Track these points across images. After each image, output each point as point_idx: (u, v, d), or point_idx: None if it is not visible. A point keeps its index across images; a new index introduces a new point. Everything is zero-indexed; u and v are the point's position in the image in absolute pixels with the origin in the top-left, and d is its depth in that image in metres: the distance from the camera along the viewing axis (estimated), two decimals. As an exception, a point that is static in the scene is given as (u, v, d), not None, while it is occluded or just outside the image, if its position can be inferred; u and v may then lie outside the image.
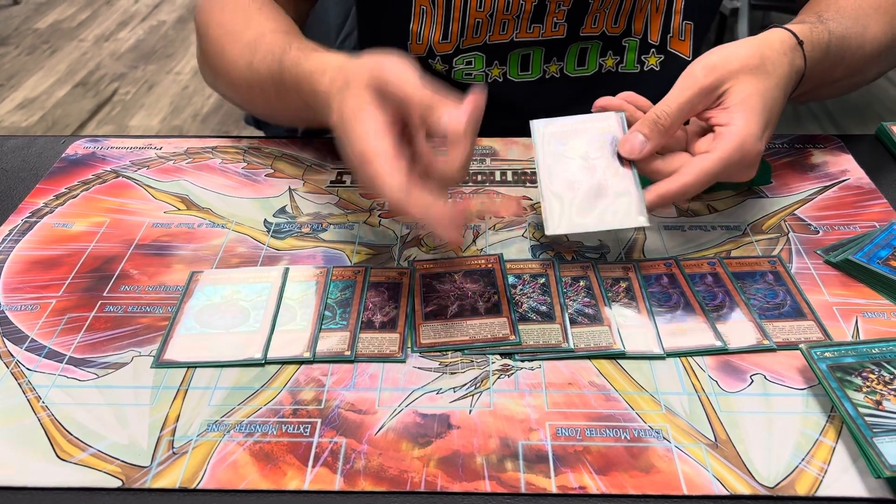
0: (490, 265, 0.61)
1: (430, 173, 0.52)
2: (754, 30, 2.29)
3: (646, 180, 0.58)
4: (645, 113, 0.60)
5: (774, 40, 0.62)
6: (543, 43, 0.83)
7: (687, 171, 0.57)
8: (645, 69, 0.86)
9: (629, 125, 0.60)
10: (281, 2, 0.79)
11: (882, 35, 0.71)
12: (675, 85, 0.59)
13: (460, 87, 0.85)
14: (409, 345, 0.54)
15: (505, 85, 0.86)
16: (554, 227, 0.57)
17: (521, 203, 0.67)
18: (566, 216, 0.57)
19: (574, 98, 0.86)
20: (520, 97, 0.86)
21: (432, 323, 0.56)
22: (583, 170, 0.59)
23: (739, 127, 0.57)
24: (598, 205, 0.57)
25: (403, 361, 0.53)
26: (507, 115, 0.80)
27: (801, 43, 0.63)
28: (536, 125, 0.62)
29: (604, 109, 0.62)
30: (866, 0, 0.71)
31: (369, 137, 0.51)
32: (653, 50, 0.84)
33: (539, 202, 0.69)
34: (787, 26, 0.64)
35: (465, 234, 0.65)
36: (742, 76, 0.59)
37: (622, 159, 0.59)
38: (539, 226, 0.66)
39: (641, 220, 0.57)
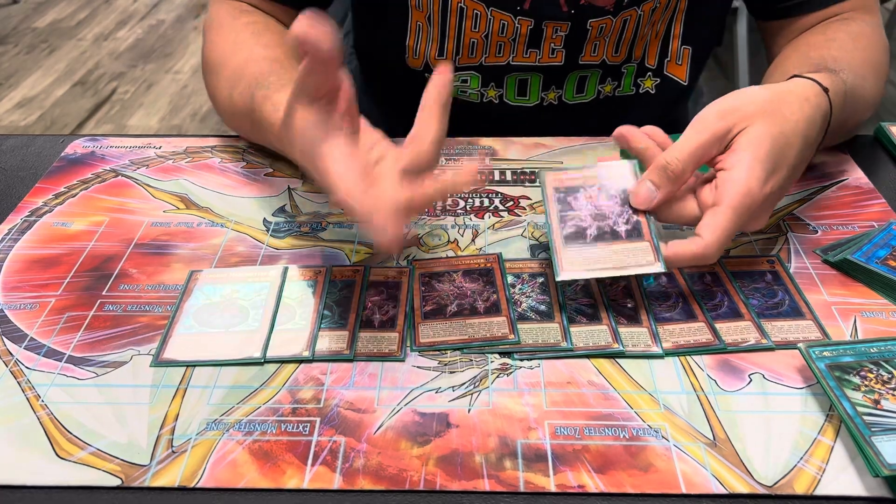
0: (489, 264, 0.61)
1: (402, 160, 0.50)
2: (754, 30, 2.29)
3: None
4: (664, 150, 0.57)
5: (797, 86, 0.60)
6: (542, 69, 0.82)
7: (706, 231, 0.53)
8: (640, 91, 0.85)
9: (647, 164, 0.58)
10: (280, 17, 0.79)
11: (876, 90, 0.73)
12: (687, 129, 0.56)
13: (456, 103, 0.85)
14: (409, 344, 0.54)
15: (501, 107, 0.85)
16: (567, 272, 0.55)
17: (477, 169, 0.60)
18: (578, 262, 0.55)
19: (570, 123, 0.84)
20: (515, 120, 0.85)
21: (431, 322, 0.56)
22: (594, 217, 0.57)
23: (741, 172, 0.54)
24: (611, 250, 0.55)
25: (402, 360, 0.53)
26: (501, 135, 0.80)
27: (826, 90, 0.60)
28: (545, 176, 0.60)
29: (623, 138, 0.60)
30: (858, 55, 0.71)
31: (335, 169, 0.49)
32: (649, 73, 0.84)
33: (538, 203, 0.69)
34: (807, 75, 0.62)
35: (464, 232, 0.65)
36: (755, 119, 0.56)
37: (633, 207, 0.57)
38: (539, 225, 0.66)
39: (658, 267, 0.54)
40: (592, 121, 0.84)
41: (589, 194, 0.58)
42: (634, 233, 0.56)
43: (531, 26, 0.78)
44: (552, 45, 0.79)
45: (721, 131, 0.56)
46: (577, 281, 0.58)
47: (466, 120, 0.84)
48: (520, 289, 0.59)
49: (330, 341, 0.54)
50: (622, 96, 0.85)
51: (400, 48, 0.83)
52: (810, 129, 0.58)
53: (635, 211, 0.57)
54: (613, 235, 0.56)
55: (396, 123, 0.93)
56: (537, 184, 0.71)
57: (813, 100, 0.59)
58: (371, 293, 0.59)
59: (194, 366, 0.53)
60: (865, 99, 0.70)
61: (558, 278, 0.54)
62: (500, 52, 0.81)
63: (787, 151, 0.56)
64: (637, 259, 0.55)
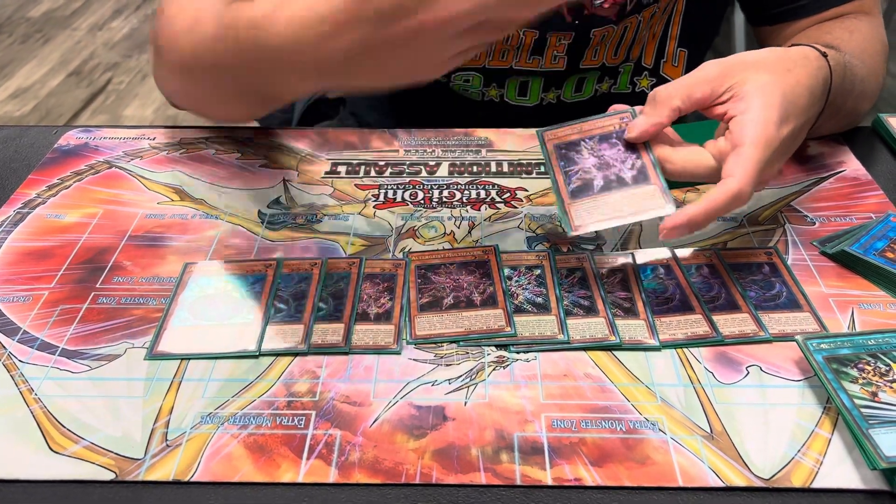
0: (486, 256, 0.61)
1: None
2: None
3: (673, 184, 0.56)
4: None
5: (796, 50, 0.59)
6: (543, 73, 0.82)
7: (736, 169, 0.51)
8: (636, 90, 0.86)
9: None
10: None
11: (874, 80, 0.72)
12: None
13: (457, 98, 0.85)
14: (405, 336, 0.54)
15: (501, 105, 0.85)
16: (580, 224, 0.54)
17: None
18: (588, 214, 0.55)
19: (568, 119, 0.84)
20: (514, 117, 0.86)
21: (427, 314, 0.55)
22: (598, 167, 0.57)
23: (756, 112, 0.53)
24: (620, 197, 0.55)
25: (399, 353, 0.53)
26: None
27: (824, 55, 0.60)
28: (543, 135, 0.60)
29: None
30: (855, 43, 0.71)
31: None
32: (645, 73, 0.84)
33: (535, 194, 0.69)
34: (804, 43, 0.61)
35: (460, 224, 0.65)
36: (758, 70, 0.55)
37: (636, 150, 0.57)
38: (536, 217, 0.66)
39: (669, 209, 0.53)
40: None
41: (590, 146, 0.58)
42: (641, 177, 0.56)
43: (535, 37, 0.78)
44: (555, 52, 0.79)
45: (714, 73, 0.55)
46: (591, 234, 0.58)
47: (466, 116, 0.84)
48: (516, 281, 0.58)
49: (325, 334, 0.54)
50: (618, 93, 0.86)
51: None
52: (815, 84, 0.58)
53: (639, 155, 0.56)
54: (620, 182, 0.56)
55: (402, 119, 0.94)
56: (531, 174, 0.71)
57: (814, 60, 0.59)
58: (367, 285, 0.58)
59: (189, 359, 0.53)
60: (864, 82, 0.69)
61: (571, 233, 0.54)
62: (504, 56, 0.81)
63: (797, 101, 0.55)
64: (646, 204, 0.54)
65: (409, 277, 0.59)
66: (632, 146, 0.57)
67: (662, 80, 0.84)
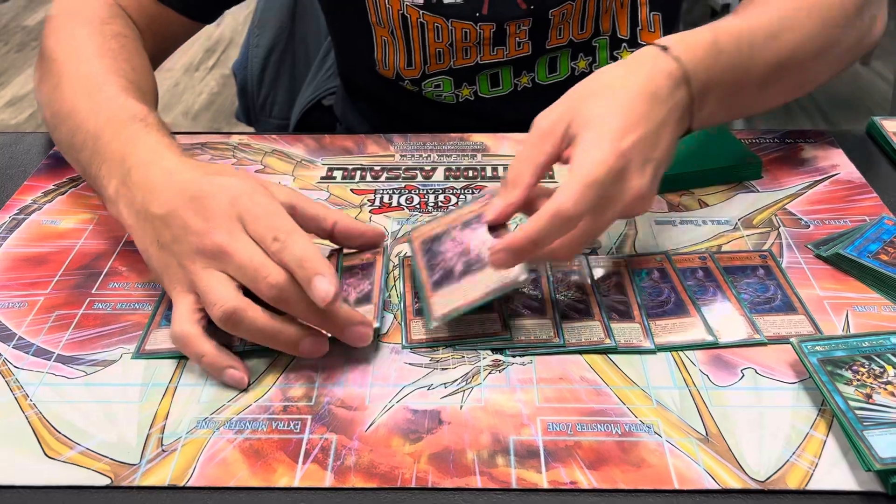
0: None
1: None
2: None
3: None
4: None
5: (633, 56, 0.59)
6: (510, 62, 0.82)
7: (558, 192, 0.50)
8: None
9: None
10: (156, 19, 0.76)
11: (819, 23, 0.66)
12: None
13: (433, 105, 0.86)
14: (401, 341, 0.54)
15: (477, 102, 0.85)
16: (439, 314, 0.53)
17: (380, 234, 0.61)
18: (449, 298, 0.53)
19: (549, 102, 0.84)
20: (493, 110, 0.86)
21: (443, 291, 0.54)
22: (459, 255, 0.55)
23: (586, 140, 0.52)
24: (480, 277, 0.53)
25: (381, 332, 0.53)
26: (481, 128, 0.79)
27: (665, 48, 0.58)
28: (410, 234, 0.60)
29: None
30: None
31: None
32: (624, 44, 0.84)
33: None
34: (653, 42, 0.59)
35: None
36: (585, 101, 0.55)
37: (497, 230, 0.55)
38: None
39: (523, 276, 0.52)
40: None
41: (453, 235, 0.57)
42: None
43: (493, 29, 0.78)
44: (517, 39, 0.80)
45: (547, 128, 0.54)
46: (449, 318, 0.54)
47: (445, 120, 0.84)
48: (512, 285, 0.58)
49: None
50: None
51: (370, 61, 0.84)
52: (655, 86, 0.55)
53: (498, 233, 0.54)
54: (480, 263, 0.54)
55: (378, 123, 0.94)
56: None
57: (649, 60, 0.57)
58: (346, 276, 0.58)
59: (175, 358, 0.53)
60: (792, 43, 0.64)
61: (431, 325, 0.53)
62: (468, 54, 0.81)
63: (632, 111, 0.53)
64: (502, 276, 0.52)
65: (416, 257, 0.57)
66: (493, 227, 0.55)
67: None
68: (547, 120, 0.55)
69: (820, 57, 0.67)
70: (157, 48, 0.78)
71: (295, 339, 0.51)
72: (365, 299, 0.55)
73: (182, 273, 0.52)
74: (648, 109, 0.54)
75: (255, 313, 0.50)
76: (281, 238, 0.50)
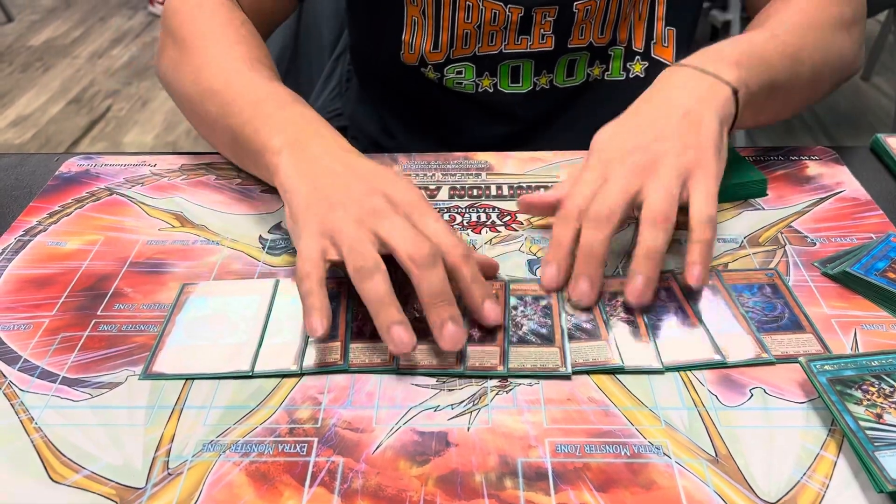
0: (494, 292, 0.59)
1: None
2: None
3: None
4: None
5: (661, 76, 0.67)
6: (533, 55, 0.84)
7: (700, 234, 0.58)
8: (630, 76, 0.87)
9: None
10: (253, 16, 0.80)
11: (821, 50, 0.73)
12: None
13: (452, 95, 0.87)
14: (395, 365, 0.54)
15: (495, 95, 0.87)
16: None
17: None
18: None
19: (562, 106, 0.88)
20: (508, 106, 0.88)
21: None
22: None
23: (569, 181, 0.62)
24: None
25: (397, 369, 0.53)
26: (497, 123, 0.82)
27: (735, 92, 0.64)
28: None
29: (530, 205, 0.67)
30: (800, 16, 0.74)
31: None
32: (637, 57, 0.86)
33: (535, 217, 0.69)
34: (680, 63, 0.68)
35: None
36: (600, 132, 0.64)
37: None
38: (536, 240, 0.66)
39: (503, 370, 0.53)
40: (584, 105, 0.88)
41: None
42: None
43: (521, 14, 0.81)
44: (542, 30, 0.82)
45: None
46: None
47: (462, 109, 0.87)
48: (522, 311, 0.58)
49: (322, 353, 0.54)
50: (612, 81, 0.88)
51: (395, 44, 0.85)
52: (655, 93, 0.66)
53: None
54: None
55: (391, 123, 0.95)
56: (539, 180, 0.71)
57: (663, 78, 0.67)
58: (359, 302, 0.58)
59: (182, 379, 0.53)
60: (811, 59, 0.72)
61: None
62: (493, 40, 0.83)
63: (640, 115, 0.64)
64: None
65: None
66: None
67: (655, 64, 0.86)
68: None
69: (821, 74, 0.74)
70: (262, 31, 0.82)
71: (392, 322, 0.52)
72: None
73: (331, 217, 0.55)
74: (654, 107, 0.65)
75: (384, 277, 0.52)
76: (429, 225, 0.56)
